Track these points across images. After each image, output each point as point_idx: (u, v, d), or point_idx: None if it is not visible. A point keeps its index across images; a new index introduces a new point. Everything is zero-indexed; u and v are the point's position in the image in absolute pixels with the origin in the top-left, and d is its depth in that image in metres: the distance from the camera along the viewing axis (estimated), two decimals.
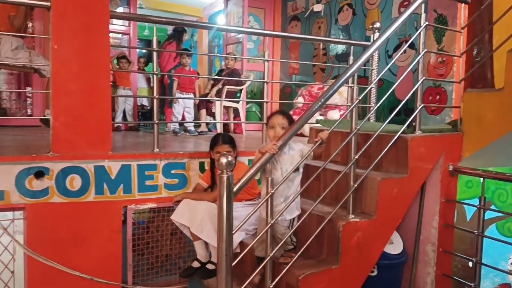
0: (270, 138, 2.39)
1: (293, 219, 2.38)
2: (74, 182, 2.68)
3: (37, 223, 2.61)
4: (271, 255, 2.13)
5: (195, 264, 2.78)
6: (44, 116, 3.85)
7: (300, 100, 5.55)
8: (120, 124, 5.38)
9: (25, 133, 4.27)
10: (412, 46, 4.39)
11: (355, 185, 2.41)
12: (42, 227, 2.62)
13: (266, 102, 3.58)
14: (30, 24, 5.45)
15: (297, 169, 2.31)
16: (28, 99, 5.79)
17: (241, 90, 5.57)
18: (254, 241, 2.20)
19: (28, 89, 5.56)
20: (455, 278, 2.87)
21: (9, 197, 2.53)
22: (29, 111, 5.67)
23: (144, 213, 3.20)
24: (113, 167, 2.80)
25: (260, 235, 2.20)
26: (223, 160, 1.95)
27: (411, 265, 2.94)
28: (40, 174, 2.59)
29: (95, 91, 2.74)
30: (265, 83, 3.56)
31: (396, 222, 2.65)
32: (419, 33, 2.74)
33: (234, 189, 2.03)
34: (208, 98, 5.25)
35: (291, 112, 5.59)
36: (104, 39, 2.75)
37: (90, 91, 2.72)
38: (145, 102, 7.28)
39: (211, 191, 2.89)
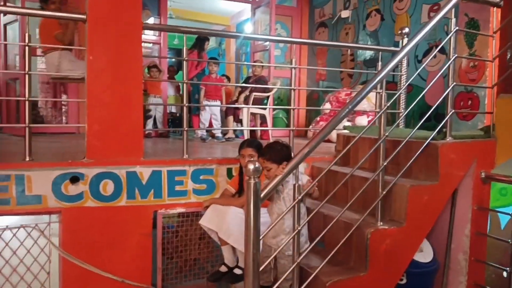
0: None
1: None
2: (107, 187, 2.77)
3: (72, 226, 2.72)
4: (298, 260, 2.13)
5: (223, 269, 2.81)
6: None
7: (327, 106, 5.53)
8: (151, 131, 5.51)
9: (60, 140, 4.45)
10: (442, 50, 4.31)
11: (384, 192, 2.39)
12: (76, 230, 2.72)
13: (293, 109, 3.59)
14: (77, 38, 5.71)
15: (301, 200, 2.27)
16: (63, 107, 6.02)
17: (268, 97, 5.61)
18: (279, 249, 2.22)
19: (64, 97, 5.80)
20: None
21: (46, 201, 2.65)
22: (64, 119, 5.90)
23: (173, 218, 3.26)
24: (144, 172, 2.88)
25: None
26: (251, 166, 1.98)
27: (442, 273, 2.88)
28: (75, 179, 2.70)
29: (127, 100, 2.83)
30: (292, 90, 3.58)
31: (426, 230, 2.60)
32: (450, 37, 2.70)
33: (262, 195, 2.06)
34: (236, 105, 5.31)
35: (318, 119, 5.59)
36: (136, 50, 2.86)
37: (123, 100, 2.82)
38: (173, 109, 7.44)
39: (238, 196, 2.93)
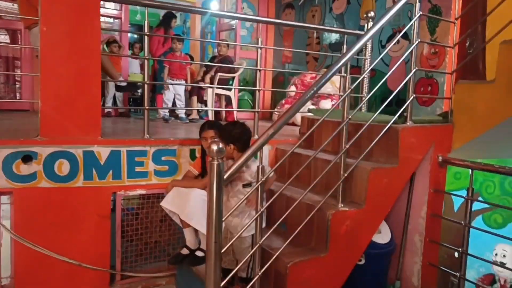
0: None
1: (252, 240, 2.38)
2: (63, 167, 2.64)
3: (25, 208, 2.59)
4: (260, 242, 2.13)
5: (184, 251, 2.78)
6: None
7: (292, 88, 5.53)
8: (110, 110, 5.31)
9: (13, 117, 4.21)
10: (405, 36, 4.38)
11: (345, 175, 2.42)
12: (30, 212, 2.59)
13: (259, 90, 3.55)
14: None
15: (249, 185, 2.46)
16: (17, 83, 5.69)
17: (233, 77, 5.53)
18: (240, 232, 2.20)
19: (17, 72, 5.47)
20: (441, 268, 2.92)
21: None
22: (17, 96, 5.58)
23: (133, 200, 3.18)
24: (103, 152, 2.77)
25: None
26: (214, 147, 1.93)
27: (398, 254, 2.98)
28: (28, 158, 2.55)
29: (84, 75, 2.69)
30: (258, 71, 3.53)
31: (385, 212, 2.68)
32: (413, 23, 2.73)
33: (225, 176, 2.03)
34: (200, 85, 5.20)
35: (283, 101, 5.59)
36: (94, 22, 2.69)
37: (80, 75, 2.68)
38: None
39: (202, 178, 2.88)
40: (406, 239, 2.97)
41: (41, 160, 2.59)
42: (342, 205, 2.44)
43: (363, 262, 2.80)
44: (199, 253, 2.78)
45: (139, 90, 6.41)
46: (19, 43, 5.29)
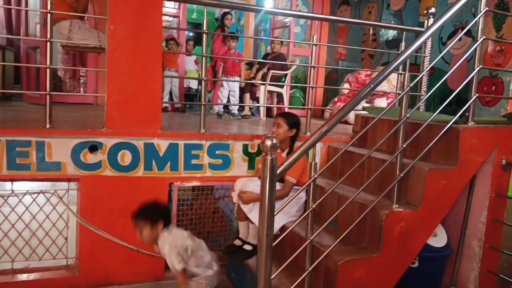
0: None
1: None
2: (125, 157, 2.81)
3: (90, 194, 2.78)
4: (311, 238, 2.14)
5: (237, 242, 2.85)
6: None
7: (346, 86, 5.45)
8: (167, 105, 5.53)
9: (79, 110, 4.50)
10: (468, 33, 4.17)
11: (401, 175, 2.37)
12: (94, 198, 2.78)
13: (311, 87, 3.54)
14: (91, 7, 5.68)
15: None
16: (82, 78, 6.06)
17: (286, 74, 5.55)
18: (291, 227, 2.23)
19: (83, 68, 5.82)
20: (501, 275, 2.77)
21: (65, 168, 2.70)
22: (82, 90, 5.94)
23: (187, 191, 3.30)
24: (162, 145, 2.90)
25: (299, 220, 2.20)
26: (268, 142, 1.97)
27: (454, 259, 2.87)
28: (94, 148, 2.74)
29: (147, 71, 2.83)
30: (311, 68, 3.52)
31: (441, 215, 2.58)
32: (478, 19, 2.60)
33: (278, 171, 2.06)
34: (253, 81, 5.27)
35: (335, 99, 5.53)
36: (157, 21, 2.83)
37: (142, 71, 2.82)
38: (192, 85, 7.43)
39: None
40: (464, 244, 2.85)
41: (106, 150, 2.76)
42: (396, 205, 2.39)
43: (416, 265, 2.72)
44: (247, 247, 2.84)
45: (194, 87, 6.62)
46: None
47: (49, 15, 2.71)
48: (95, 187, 2.77)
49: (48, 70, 2.75)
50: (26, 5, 5.42)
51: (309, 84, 3.56)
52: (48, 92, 2.73)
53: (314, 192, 2.19)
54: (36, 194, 2.80)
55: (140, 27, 2.78)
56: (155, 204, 2.44)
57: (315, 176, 2.14)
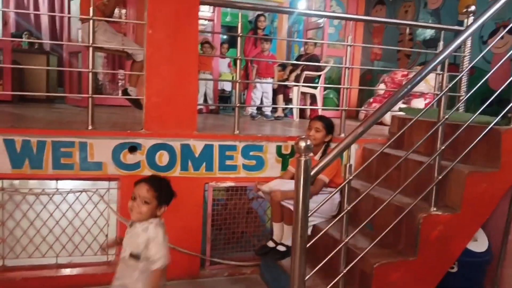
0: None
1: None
2: (163, 158, 2.89)
3: (129, 193, 2.85)
4: (346, 240, 2.13)
5: (271, 244, 2.87)
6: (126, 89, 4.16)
7: (381, 87, 5.36)
8: (202, 107, 5.62)
9: (117, 112, 4.66)
10: (511, 31, 4.01)
11: (440, 177, 2.31)
12: None
13: (346, 88, 3.52)
14: (124, 11, 5.88)
15: (136, 257, 1.92)
16: (120, 81, 6.27)
17: (319, 76, 5.52)
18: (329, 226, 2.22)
19: (121, 72, 6.02)
20: None
21: (106, 168, 2.81)
22: (120, 93, 6.14)
23: (221, 191, 3.35)
24: (197, 146, 2.97)
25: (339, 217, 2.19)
26: (302, 144, 1.99)
27: (496, 265, 2.76)
28: (133, 149, 2.84)
29: (184, 74, 2.91)
30: (346, 69, 3.50)
31: (482, 219, 2.50)
32: None
33: (312, 173, 2.06)
34: (286, 83, 5.28)
35: (371, 100, 5.44)
36: (193, 25, 2.91)
37: (179, 74, 2.90)
38: (226, 87, 7.51)
39: None
40: (506, 250, 2.74)
41: (145, 151, 2.86)
42: (434, 208, 2.34)
43: (455, 269, 2.65)
44: (280, 248, 2.85)
45: (228, 89, 6.69)
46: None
47: (91, 21, 2.84)
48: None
49: (90, 74, 2.87)
50: (69, 12, 5.67)
51: (344, 85, 3.54)
52: (90, 95, 2.85)
53: (349, 193, 2.18)
54: (79, 193, 2.93)
55: (177, 31, 2.85)
56: (170, 186, 2.09)
57: (350, 177, 2.13)
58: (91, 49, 2.85)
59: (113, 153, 2.81)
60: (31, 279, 2.76)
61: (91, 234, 2.98)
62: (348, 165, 2.17)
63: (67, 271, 2.89)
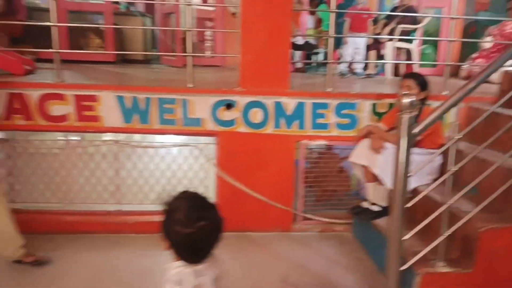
0: None
1: None
2: (257, 115, 2.97)
3: (226, 148, 3.02)
4: (450, 202, 2.04)
5: (364, 204, 2.85)
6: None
7: (488, 40, 4.84)
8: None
9: (209, 72, 4.81)
10: None
11: None
12: (229, 152, 3.03)
13: (450, 41, 3.23)
14: None
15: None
16: (209, 42, 6.40)
17: (415, 29, 5.12)
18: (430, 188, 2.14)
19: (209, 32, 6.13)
20: None
21: (205, 124, 2.97)
22: (208, 53, 6.29)
23: (314, 149, 3.36)
24: (290, 103, 2.99)
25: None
26: (405, 100, 1.91)
27: None
28: (229, 106, 2.94)
29: (277, 32, 2.90)
30: (448, 20, 3.20)
31: None
32: None
33: (414, 131, 1.98)
34: (379, 36, 4.98)
35: (475, 55, 4.95)
36: None
37: (273, 31, 2.89)
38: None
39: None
40: None
41: (240, 108, 2.95)
42: None
43: None
44: (375, 208, 2.82)
45: (317, 50, 6.51)
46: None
47: None
48: (231, 142, 3.00)
49: (188, 33, 2.98)
50: None
51: (446, 37, 3.25)
52: (189, 54, 2.98)
53: (454, 155, 2.06)
54: (181, 147, 3.14)
55: None
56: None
57: (459, 136, 2.01)
58: (187, 9, 2.94)
59: (211, 110, 2.94)
60: (141, 223, 3.07)
61: (192, 185, 3.20)
62: (454, 124, 2.05)
63: None
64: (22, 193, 3.06)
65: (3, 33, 4.10)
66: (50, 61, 3.00)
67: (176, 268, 1.24)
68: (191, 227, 1.19)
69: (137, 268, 2.58)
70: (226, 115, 2.95)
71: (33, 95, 2.83)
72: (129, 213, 3.13)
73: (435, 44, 5.69)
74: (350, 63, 5.00)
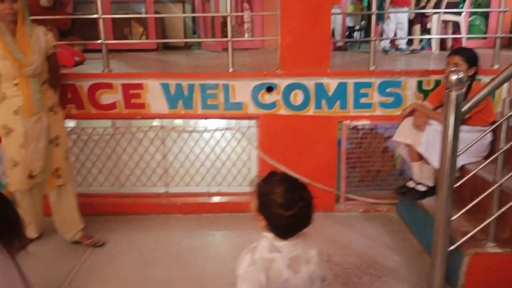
0: None
1: None
2: (297, 97, 2.97)
3: (268, 131, 3.06)
4: (501, 181, 1.97)
5: (411, 184, 2.80)
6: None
7: None
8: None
9: (249, 55, 4.81)
10: None
11: None
12: (271, 135, 3.06)
13: (503, 12, 3.04)
14: None
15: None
16: (246, 24, 6.38)
17: (464, 0, 4.86)
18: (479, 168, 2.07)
19: (247, 13, 6.12)
20: None
21: (246, 108, 3.01)
22: (246, 36, 6.28)
23: (357, 129, 3.32)
24: (331, 84, 2.96)
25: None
26: (453, 77, 1.85)
27: None
28: (270, 89, 2.96)
29: (317, 12, 2.86)
30: None
31: None
32: None
33: (463, 109, 1.92)
34: (424, 10, 4.77)
35: None
36: None
37: (312, 12, 2.86)
38: (350, 22, 7.12)
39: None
40: None
41: (280, 91, 2.96)
42: None
43: None
44: (420, 187, 2.77)
45: (358, 26, 6.34)
46: None
47: None
48: (272, 124, 3.02)
49: (229, 18, 3.01)
50: None
51: (498, 8, 3.07)
52: (230, 39, 3.01)
53: (506, 131, 1.98)
54: (224, 131, 3.21)
55: None
56: None
57: (509, 114, 1.93)
58: None
59: (252, 93, 2.97)
60: (188, 204, 3.19)
61: (235, 167, 3.28)
62: (507, 99, 1.95)
63: (216, 199, 3.27)
64: (77, 178, 3.27)
65: (53, 26, 4.31)
66: (96, 51, 3.13)
67: (273, 240, 1.34)
68: (292, 209, 1.28)
69: (185, 246, 2.71)
70: (267, 98, 2.98)
71: (84, 85, 2.98)
72: (176, 195, 3.26)
73: (484, 15, 5.38)
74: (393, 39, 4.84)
